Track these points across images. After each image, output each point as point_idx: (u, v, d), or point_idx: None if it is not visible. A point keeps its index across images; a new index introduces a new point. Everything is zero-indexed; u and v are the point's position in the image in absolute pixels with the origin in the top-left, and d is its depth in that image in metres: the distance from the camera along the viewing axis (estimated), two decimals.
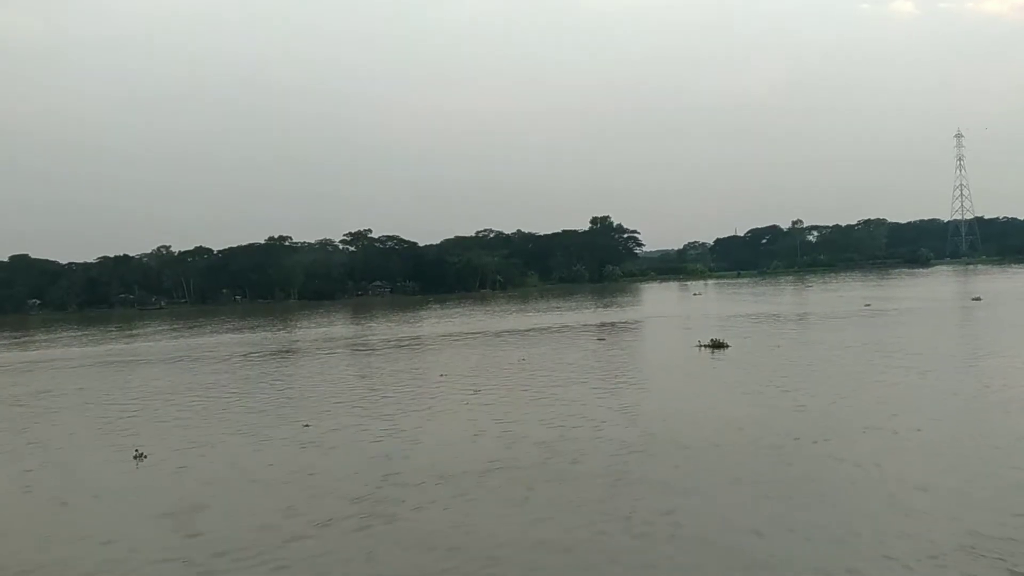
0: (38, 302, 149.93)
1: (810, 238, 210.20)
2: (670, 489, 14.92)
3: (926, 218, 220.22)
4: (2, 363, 51.58)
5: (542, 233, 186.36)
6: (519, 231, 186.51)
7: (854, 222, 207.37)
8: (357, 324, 75.25)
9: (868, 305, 60.61)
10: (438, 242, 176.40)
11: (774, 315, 57.59)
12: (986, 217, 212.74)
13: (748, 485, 14.88)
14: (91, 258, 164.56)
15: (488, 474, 16.57)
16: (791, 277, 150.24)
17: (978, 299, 61.24)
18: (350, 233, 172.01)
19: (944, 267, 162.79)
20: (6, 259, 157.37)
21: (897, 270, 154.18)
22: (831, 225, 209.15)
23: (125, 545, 13.47)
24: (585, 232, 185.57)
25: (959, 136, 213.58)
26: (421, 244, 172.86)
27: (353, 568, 12.03)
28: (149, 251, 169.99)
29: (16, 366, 48.66)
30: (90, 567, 12.62)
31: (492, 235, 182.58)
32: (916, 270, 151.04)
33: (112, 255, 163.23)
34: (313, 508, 14.82)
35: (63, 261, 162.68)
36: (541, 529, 13.10)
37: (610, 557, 11.77)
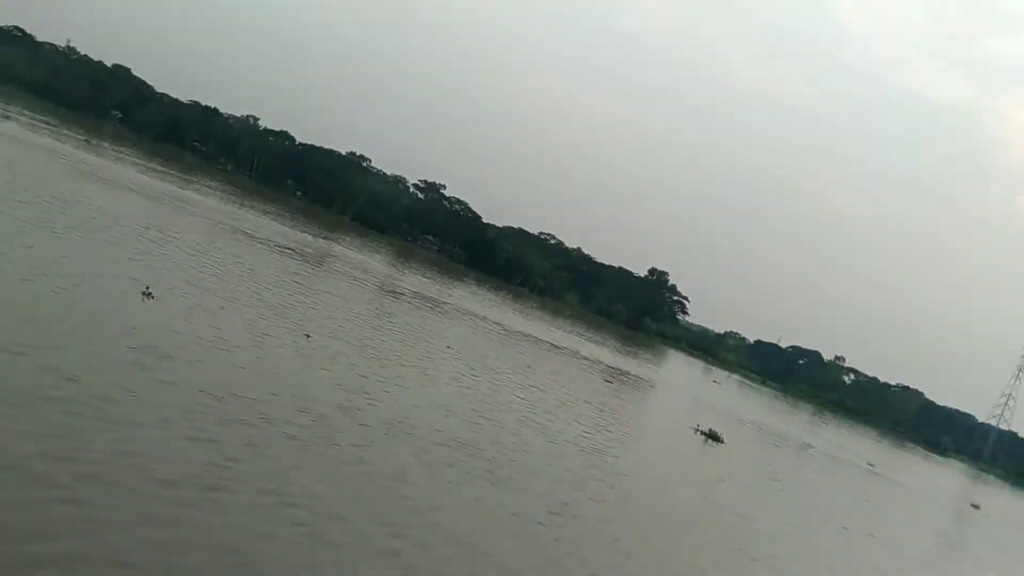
0: (120, 115, 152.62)
1: (845, 378, 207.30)
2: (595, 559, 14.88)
3: (962, 409, 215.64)
4: (67, 157, 52.64)
5: (599, 260, 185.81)
6: (579, 249, 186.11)
7: (893, 383, 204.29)
8: (395, 267, 75.72)
9: (871, 465, 59.67)
10: (501, 225, 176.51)
11: (779, 433, 56.90)
12: (1021, 435, 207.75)
13: None
14: (184, 96, 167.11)
15: (435, 450, 16.68)
16: (811, 406, 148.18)
17: (977, 507, 59.97)
18: (425, 181, 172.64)
19: (958, 463, 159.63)
20: (110, 65, 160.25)
21: (913, 445, 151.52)
22: (870, 376, 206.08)
23: (91, 362, 13.84)
24: (639, 278, 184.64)
25: None
26: (485, 220, 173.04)
27: (277, 466, 12.32)
28: (239, 115, 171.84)
29: (77, 166, 49.68)
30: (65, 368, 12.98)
31: (553, 241, 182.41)
32: (931, 454, 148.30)
33: (204, 104, 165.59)
34: (265, 406, 15.06)
35: (158, 88, 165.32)
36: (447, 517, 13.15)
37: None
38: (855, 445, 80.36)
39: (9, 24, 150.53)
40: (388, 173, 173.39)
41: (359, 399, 18.32)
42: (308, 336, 23.11)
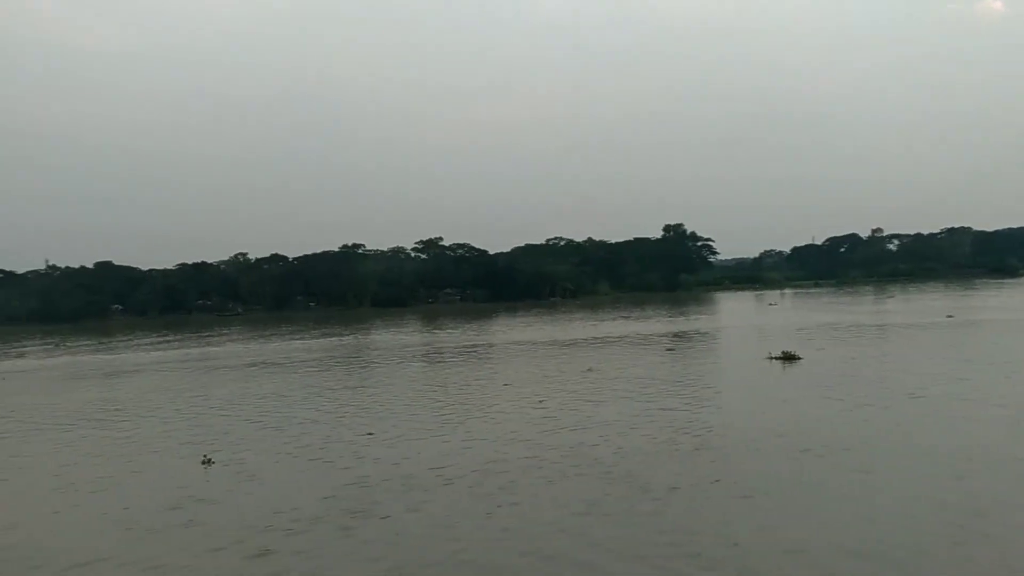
0: (120, 307, 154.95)
1: (890, 247, 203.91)
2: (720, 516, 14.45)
3: (1015, 226, 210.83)
4: (86, 367, 53.25)
5: (614, 241, 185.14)
6: (590, 239, 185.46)
7: (937, 230, 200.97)
8: (427, 331, 75.75)
9: (951, 316, 58.50)
10: (508, 250, 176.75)
11: (852, 326, 55.96)
12: None
13: (795, 506, 14.35)
14: (171, 264, 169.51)
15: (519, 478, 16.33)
16: (870, 287, 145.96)
17: None
18: (422, 241, 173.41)
19: None
20: (91, 266, 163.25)
21: (982, 280, 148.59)
22: (912, 233, 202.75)
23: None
24: (658, 240, 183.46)
25: None
26: (491, 252, 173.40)
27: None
28: (227, 258, 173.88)
29: (101, 369, 50.21)
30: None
31: (563, 243, 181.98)
32: (1003, 280, 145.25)
33: (191, 262, 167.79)
34: (308, 508, 14.80)
35: (144, 267, 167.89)
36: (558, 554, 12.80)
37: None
38: (926, 304, 78.97)
39: None
40: (386, 249, 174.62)
41: (413, 478, 18.05)
42: (371, 434, 22.93)
